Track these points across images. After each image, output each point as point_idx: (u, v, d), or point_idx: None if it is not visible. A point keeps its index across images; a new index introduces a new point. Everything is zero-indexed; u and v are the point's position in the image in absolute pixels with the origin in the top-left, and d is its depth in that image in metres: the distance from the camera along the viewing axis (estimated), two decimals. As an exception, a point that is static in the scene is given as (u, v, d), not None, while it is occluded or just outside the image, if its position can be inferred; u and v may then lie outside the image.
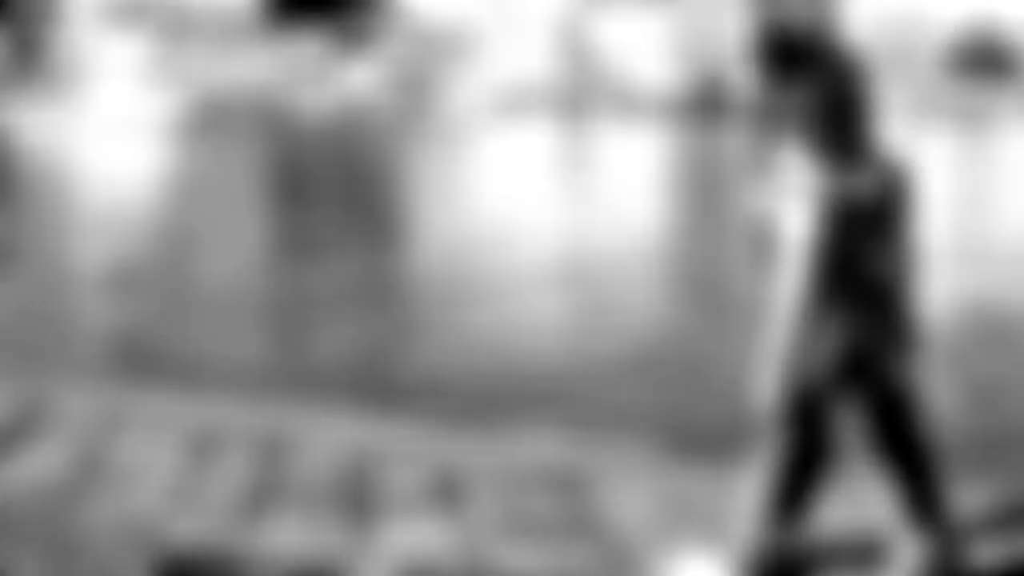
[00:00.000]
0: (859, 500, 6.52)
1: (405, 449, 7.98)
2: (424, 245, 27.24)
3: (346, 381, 16.22)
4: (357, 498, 7.03)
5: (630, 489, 7.20)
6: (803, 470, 5.62)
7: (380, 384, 15.90)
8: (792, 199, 5.39)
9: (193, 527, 6.47)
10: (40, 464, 7.51)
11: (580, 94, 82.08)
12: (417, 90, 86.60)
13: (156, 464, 7.55)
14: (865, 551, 6.17)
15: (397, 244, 28.17)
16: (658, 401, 14.03)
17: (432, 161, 45.92)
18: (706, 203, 32.72)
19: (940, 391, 14.85)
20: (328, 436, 8.27)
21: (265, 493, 7.05)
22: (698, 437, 11.46)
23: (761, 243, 5.58)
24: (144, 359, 17.28)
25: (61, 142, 75.60)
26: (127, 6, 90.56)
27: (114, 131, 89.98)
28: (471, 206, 32.98)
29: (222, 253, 28.87)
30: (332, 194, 41.45)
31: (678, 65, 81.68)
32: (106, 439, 8.10)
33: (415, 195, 38.07)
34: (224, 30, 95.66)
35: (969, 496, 6.69)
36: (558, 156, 48.69)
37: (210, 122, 73.98)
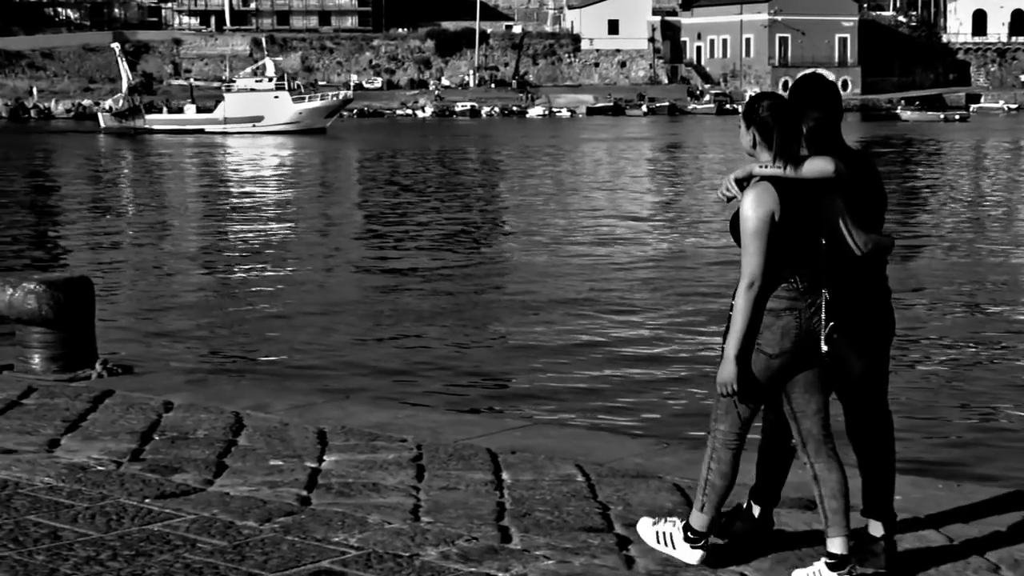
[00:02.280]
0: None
1: (632, 464, 7.61)
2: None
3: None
4: (604, 516, 6.66)
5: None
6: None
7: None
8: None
9: (444, 552, 6.13)
10: (263, 481, 7.21)
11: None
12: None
13: (386, 482, 7.22)
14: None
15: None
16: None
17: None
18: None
19: None
20: (543, 450, 7.91)
21: (508, 513, 6.70)
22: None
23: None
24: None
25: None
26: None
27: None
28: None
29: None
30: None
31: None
32: (324, 455, 7.78)
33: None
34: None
35: None
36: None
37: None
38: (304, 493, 7.00)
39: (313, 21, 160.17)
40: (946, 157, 71.48)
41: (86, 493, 6.93)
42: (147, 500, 6.82)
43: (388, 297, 23.57)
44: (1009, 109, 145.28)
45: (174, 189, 51.41)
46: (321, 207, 43.19)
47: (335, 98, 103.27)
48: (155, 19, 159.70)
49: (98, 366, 10.11)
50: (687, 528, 5.95)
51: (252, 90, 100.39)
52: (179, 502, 6.80)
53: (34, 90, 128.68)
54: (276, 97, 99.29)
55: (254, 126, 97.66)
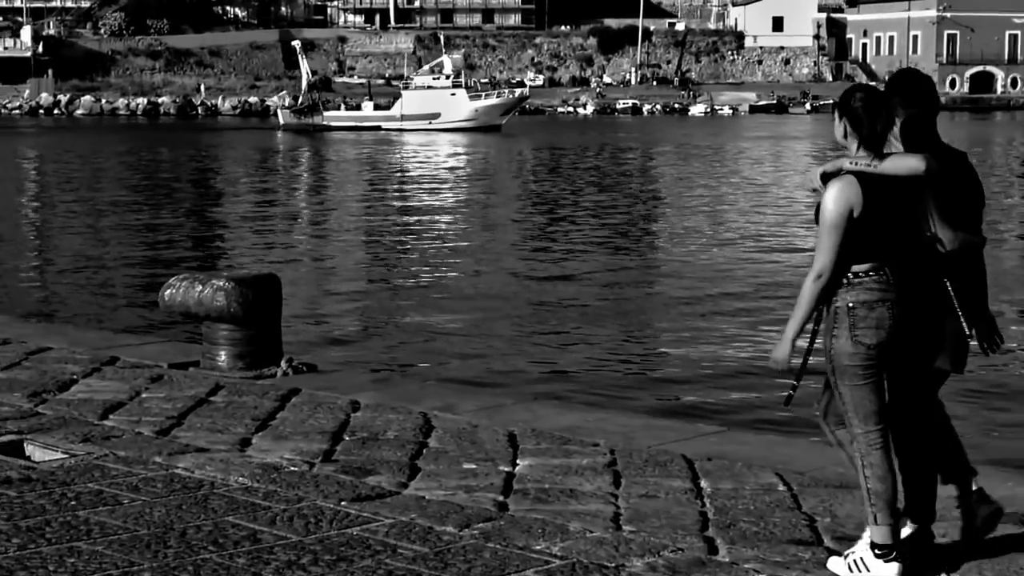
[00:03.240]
0: None
1: (833, 474, 7.36)
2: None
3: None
4: (811, 529, 6.44)
5: None
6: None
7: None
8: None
9: (651, 563, 5.95)
10: (458, 485, 7.09)
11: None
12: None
13: (583, 488, 7.06)
14: None
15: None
16: None
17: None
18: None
19: None
20: (740, 457, 7.69)
21: (712, 523, 6.51)
22: None
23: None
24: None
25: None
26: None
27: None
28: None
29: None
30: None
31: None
32: (517, 459, 7.65)
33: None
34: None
35: None
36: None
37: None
38: (501, 498, 6.87)
39: (476, 19, 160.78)
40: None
41: (282, 494, 6.87)
42: (343, 503, 6.74)
43: (556, 298, 23.42)
44: None
45: (353, 186, 51.62)
46: (496, 205, 43.13)
47: (511, 96, 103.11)
48: (320, 17, 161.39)
49: (283, 364, 10.09)
50: (873, 546, 5.77)
51: (429, 87, 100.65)
52: (375, 505, 6.71)
53: (202, 87, 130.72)
54: (453, 95, 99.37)
55: (430, 123, 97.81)
